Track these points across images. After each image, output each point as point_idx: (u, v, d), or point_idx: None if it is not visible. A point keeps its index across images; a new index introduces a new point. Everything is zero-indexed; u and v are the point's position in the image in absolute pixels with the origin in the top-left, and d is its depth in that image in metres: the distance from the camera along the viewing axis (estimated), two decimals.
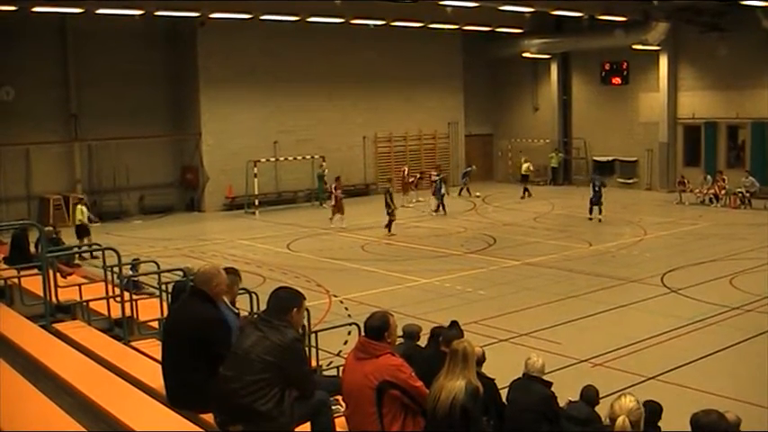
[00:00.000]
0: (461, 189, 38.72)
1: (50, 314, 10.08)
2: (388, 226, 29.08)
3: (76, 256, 20.74)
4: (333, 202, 31.01)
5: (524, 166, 39.76)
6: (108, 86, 33.18)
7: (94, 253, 17.79)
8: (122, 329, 10.16)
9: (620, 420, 5.68)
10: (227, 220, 33.88)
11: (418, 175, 38.37)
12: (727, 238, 27.35)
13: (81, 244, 24.09)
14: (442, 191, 33.33)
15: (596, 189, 30.69)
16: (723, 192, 34.58)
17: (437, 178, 33.60)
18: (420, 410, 6.81)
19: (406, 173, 37.77)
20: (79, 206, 26.94)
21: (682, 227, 29.68)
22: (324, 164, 36.79)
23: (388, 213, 29.09)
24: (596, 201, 30.68)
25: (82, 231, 25.90)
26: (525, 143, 44.24)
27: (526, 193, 37.87)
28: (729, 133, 37.77)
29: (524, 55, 42.78)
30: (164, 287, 11.22)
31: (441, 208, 33.20)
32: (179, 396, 6.75)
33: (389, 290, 20.83)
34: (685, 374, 13.79)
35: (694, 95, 38.36)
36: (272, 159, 36.86)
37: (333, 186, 31.22)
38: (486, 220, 32.32)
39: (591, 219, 30.69)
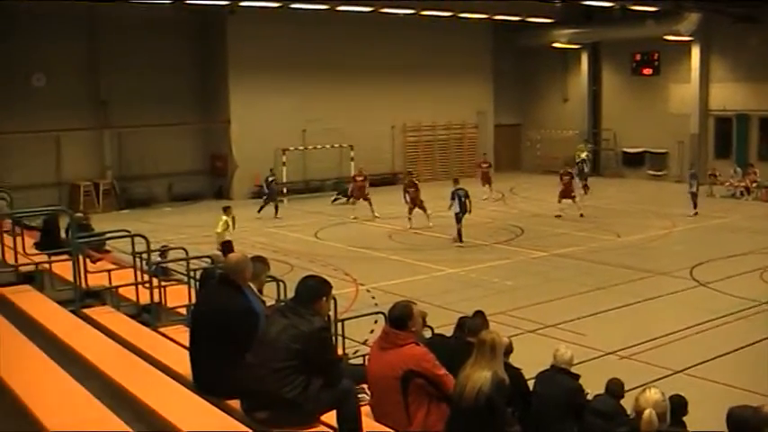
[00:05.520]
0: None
1: (80, 299, 10.14)
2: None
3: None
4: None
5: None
6: (138, 73, 33.31)
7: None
8: (150, 315, 10.23)
9: (646, 414, 5.65)
10: (256, 207, 33.92)
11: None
12: (757, 231, 27.10)
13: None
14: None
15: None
16: (754, 185, 34.30)
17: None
18: (444, 398, 6.83)
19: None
20: (224, 217, 22.03)
21: (712, 220, 29.45)
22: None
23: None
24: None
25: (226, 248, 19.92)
26: (554, 134, 44.05)
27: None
28: (761, 125, 37.37)
29: (554, 45, 42.54)
30: (192, 274, 11.28)
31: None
32: (206, 382, 6.79)
33: (416, 279, 20.85)
34: (713, 369, 13.71)
35: (726, 87, 37.97)
36: (301, 148, 36.88)
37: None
38: (513, 210, 32.24)
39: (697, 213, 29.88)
